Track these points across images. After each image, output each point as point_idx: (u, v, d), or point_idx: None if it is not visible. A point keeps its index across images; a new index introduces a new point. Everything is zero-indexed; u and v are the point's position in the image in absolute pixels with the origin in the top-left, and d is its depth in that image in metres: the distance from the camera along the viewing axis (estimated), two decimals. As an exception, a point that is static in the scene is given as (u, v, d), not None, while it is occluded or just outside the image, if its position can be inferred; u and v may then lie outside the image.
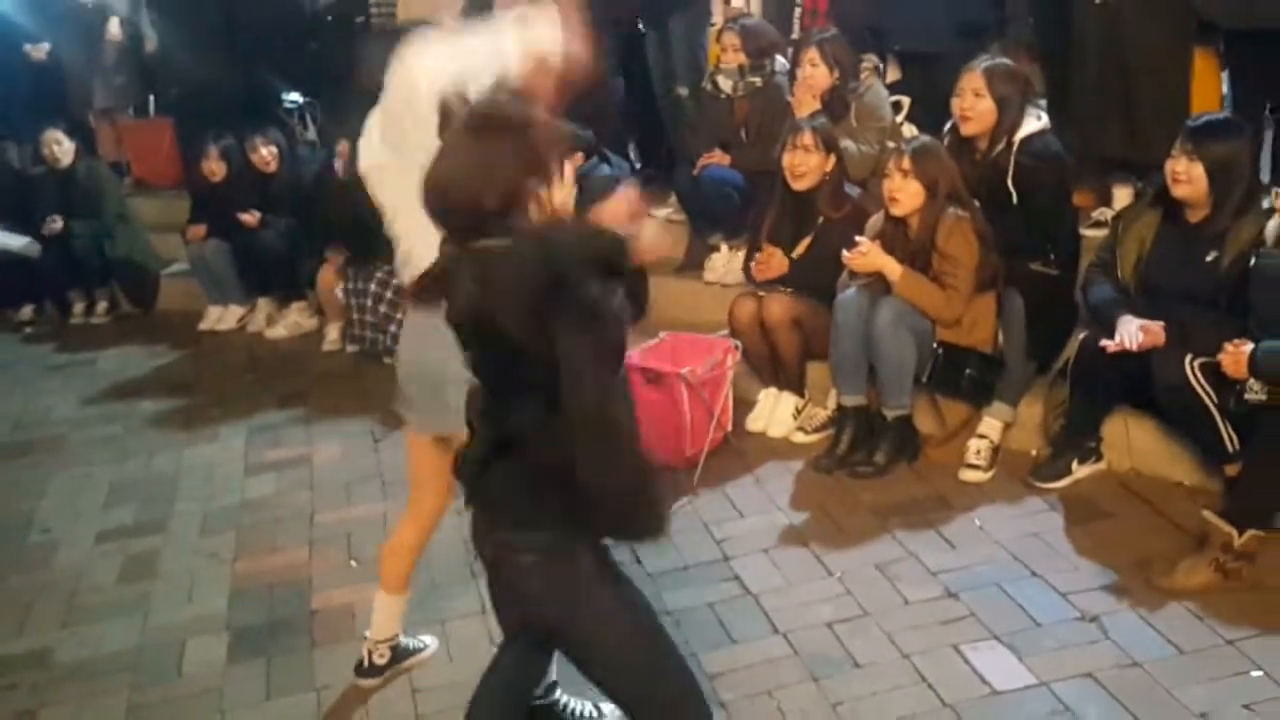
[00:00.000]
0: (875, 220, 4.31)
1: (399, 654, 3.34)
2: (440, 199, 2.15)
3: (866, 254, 4.14)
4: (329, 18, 7.37)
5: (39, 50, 7.52)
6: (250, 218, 6.44)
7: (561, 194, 2.26)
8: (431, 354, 2.83)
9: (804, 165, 4.49)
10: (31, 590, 4.10)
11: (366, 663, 3.32)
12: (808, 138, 4.49)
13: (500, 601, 2.52)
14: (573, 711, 2.98)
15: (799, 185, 4.52)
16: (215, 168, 6.61)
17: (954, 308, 4.11)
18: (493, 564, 2.39)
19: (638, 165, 6.29)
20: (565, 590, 2.29)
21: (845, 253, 4.20)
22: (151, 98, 8.04)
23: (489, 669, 2.62)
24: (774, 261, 4.56)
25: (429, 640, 3.46)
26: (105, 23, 7.54)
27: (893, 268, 4.10)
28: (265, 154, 6.50)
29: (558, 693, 2.95)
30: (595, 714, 2.99)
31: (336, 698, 3.33)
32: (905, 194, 4.10)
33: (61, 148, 7.02)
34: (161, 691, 3.46)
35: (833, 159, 4.54)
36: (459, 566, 3.77)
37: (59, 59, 7.58)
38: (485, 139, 2.17)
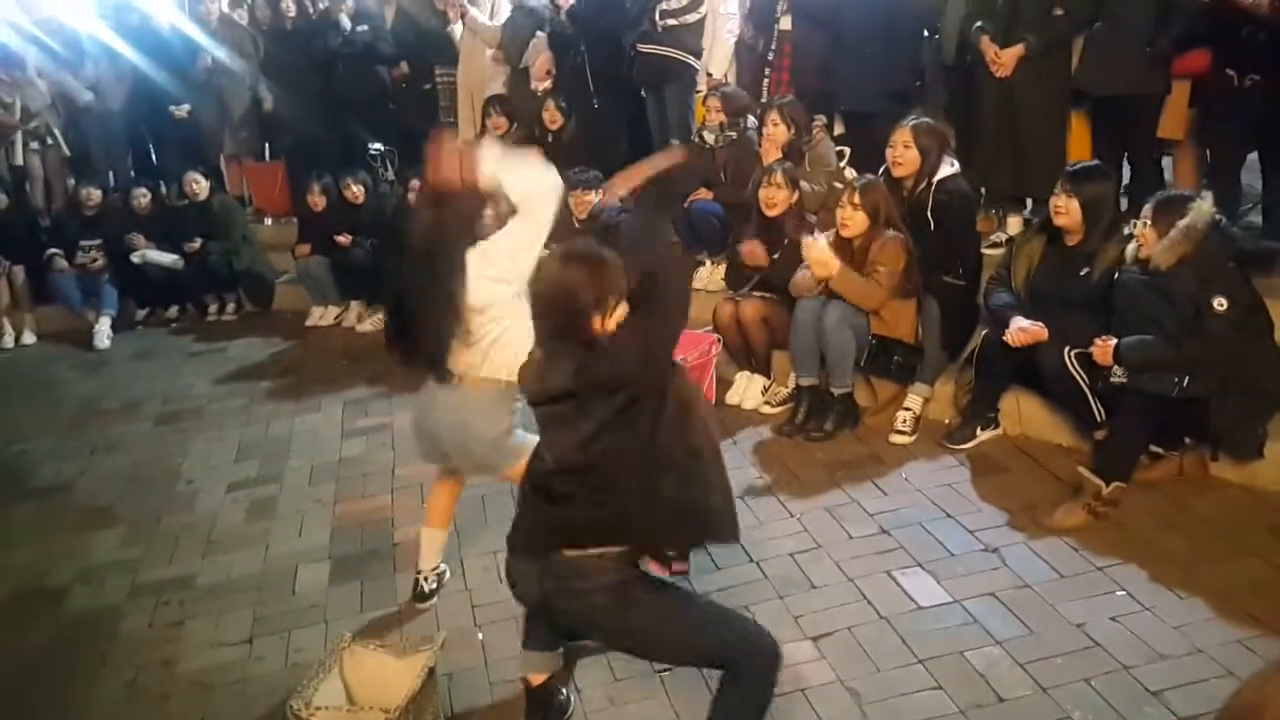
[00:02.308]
0: (829, 234, 4.23)
1: (444, 581, 3.30)
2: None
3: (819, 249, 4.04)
4: (403, 85, 7.31)
5: (181, 110, 7.44)
6: (344, 239, 6.36)
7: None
8: (473, 419, 2.86)
9: (775, 198, 4.42)
10: (178, 528, 4.06)
11: (424, 590, 3.28)
12: (779, 177, 4.43)
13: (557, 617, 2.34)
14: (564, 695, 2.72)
15: (771, 213, 4.45)
16: (317, 200, 6.54)
17: (875, 297, 4.01)
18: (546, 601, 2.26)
19: (640, 199, 6.21)
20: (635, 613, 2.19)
21: (804, 237, 4.12)
22: (267, 146, 7.98)
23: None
24: (760, 252, 4.47)
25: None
26: (230, 90, 7.44)
27: (834, 264, 4.00)
28: (355, 190, 6.43)
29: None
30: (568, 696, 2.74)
31: (414, 610, 3.28)
32: (854, 221, 4.03)
33: (200, 185, 6.94)
34: (279, 606, 3.43)
35: (797, 194, 4.47)
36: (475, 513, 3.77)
37: (196, 117, 7.50)
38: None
